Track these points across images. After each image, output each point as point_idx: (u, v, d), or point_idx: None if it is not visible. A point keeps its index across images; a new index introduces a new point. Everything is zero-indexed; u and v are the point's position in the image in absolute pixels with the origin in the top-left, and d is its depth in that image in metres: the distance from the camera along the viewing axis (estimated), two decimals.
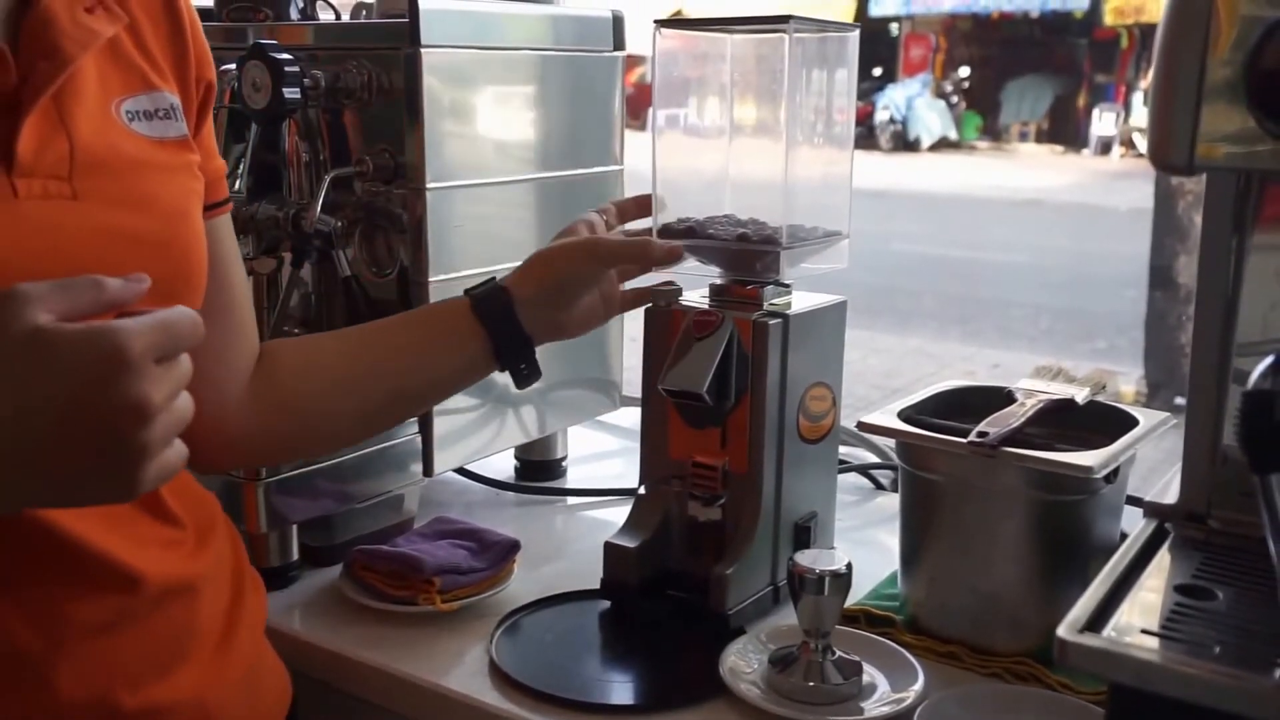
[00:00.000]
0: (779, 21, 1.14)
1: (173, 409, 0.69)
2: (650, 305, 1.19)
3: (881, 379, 6.26)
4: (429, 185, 1.27)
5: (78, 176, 0.78)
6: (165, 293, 0.83)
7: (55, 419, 0.66)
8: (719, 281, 1.19)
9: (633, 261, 1.15)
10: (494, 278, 1.09)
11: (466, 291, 1.08)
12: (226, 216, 0.99)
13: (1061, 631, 0.79)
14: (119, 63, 0.84)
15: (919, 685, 1.03)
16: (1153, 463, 1.26)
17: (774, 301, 1.17)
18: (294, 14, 1.46)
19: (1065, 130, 18.89)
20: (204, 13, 1.48)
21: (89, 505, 0.76)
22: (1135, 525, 0.99)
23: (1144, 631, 0.79)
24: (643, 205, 1.20)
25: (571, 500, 1.54)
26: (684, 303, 1.18)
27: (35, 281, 0.67)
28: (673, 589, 1.19)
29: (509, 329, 1.06)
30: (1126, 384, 5.82)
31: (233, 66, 1.27)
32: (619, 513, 1.25)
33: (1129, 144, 16.90)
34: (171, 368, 0.69)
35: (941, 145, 18.67)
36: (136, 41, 0.86)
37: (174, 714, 0.86)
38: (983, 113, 19.86)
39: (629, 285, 1.19)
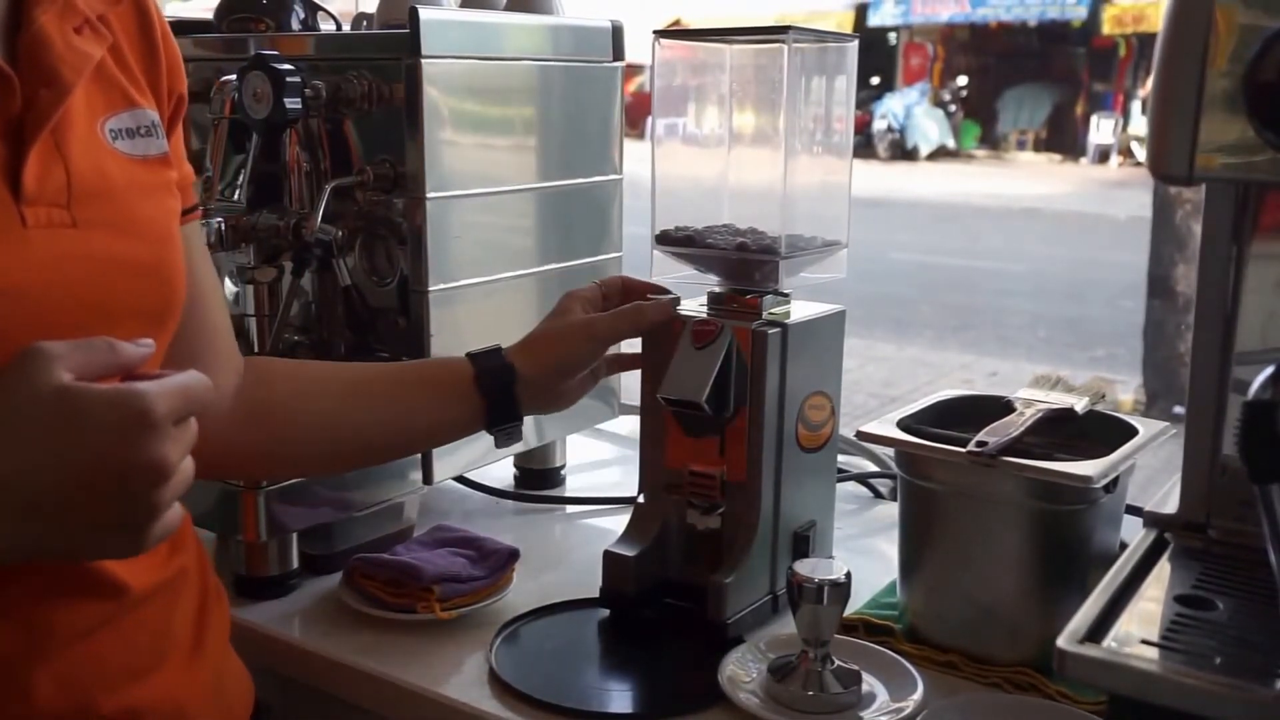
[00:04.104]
0: (778, 32, 1.15)
1: (182, 470, 0.72)
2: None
3: (880, 387, 6.27)
4: (429, 195, 1.27)
5: (75, 204, 0.79)
6: (153, 317, 0.84)
7: (77, 475, 0.69)
8: (718, 290, 1.19)
9: (631, 333, 1.18)
10: (499, 347, 1.12)
11: (470, 356, 1.11)
12: (196, 225, 0.99)
13: (1061, 642, 0.79)
14: (102, 81, 0.84)
15: (918, 695, 1.03)
16: (1151, 471, 1.26)
17: (773, 311, 1.17)
18: (295, 24, 1.46)
19: (1063, 139, 18.94)
20: (203, 24, 1.49)
21: (95, 559, 0.80)
22: (1135, 535, 0.99)
23: (1144, 642, 0.80)
24: (629, 288, 1.20)
25: (570, 509, 1.54)
26: (683, 312, 1.18)
27: (55, 341, 0.70)
28: (672, 598, 1.19)
29: (506, 402, 1.11)
30: (1125, 393, 5.83)
31: (233, 77, 1.27)
32: (618, 521, 1.25)
33: (1127, 152, 16.95)
34: (185, 429, 0.73)
35: (940, 154, 18.71)
36: (117, 59, 0.87)
37: (150, 716, 0.86)
38: (981, 121, 19.91)
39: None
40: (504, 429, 1.12)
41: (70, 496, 0.69)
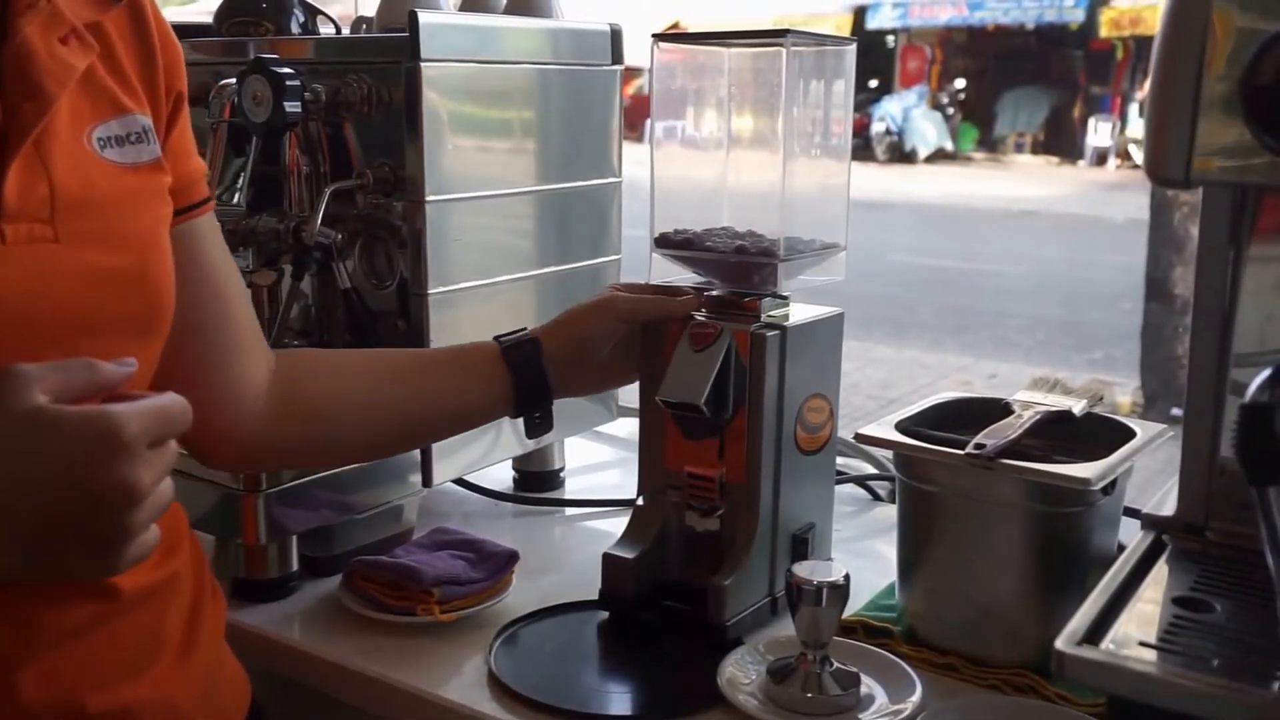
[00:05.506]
0: (776, 35, 1.15)
1: (157, 493, 0.72)
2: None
3: (878, 389, 6.28)
4: (428, 198, 1.27)
5: (59, 218, 0.78)
6: (139, 327, 0.84)
7: (49, 496, 0.68)
8: (717, 293, 1.19)
9: (649, 317, 1.18)
10: (525, 328, 1.15)
11: (496, 338, 1.13)
12: (210, 216, 0.99)
13: (1060, 644, 0.79)
14: (90, 89, 0.84)
15: (917, 696, 1.03)
16: (1150, 473, 1.26)
17: (772, 313, 1.17)
18: (294, 28, 1.46)
19: (1061, 141, 18.94)
20: (203, 28, 1.49)
21: (69, 580, 0.80)
22: (1133, 537, 0.99)
23: (1142, 644, 0.80)
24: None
25: (570, 511, 1.54)
26: None
27: (33, 364, 0.69)
28: (671, 600, 1.19)
29: (533, 377, 1.12)
30: (1123, 395, 5.83)
31: (233, 80, 1.27)
32: (617, 523, 1.25)
33: (1124, 155, 16.96)
34: (161, 453, 0.72)
35: (938, 156, 18.72)
36: (110, 65, 0.86)
37: (140, 714, 0.87)
38: (979, 124, 19.92)
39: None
40: (534, 411, 1.14)
41: (42, 518, 0.69)
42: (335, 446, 1.12)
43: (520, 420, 1.16)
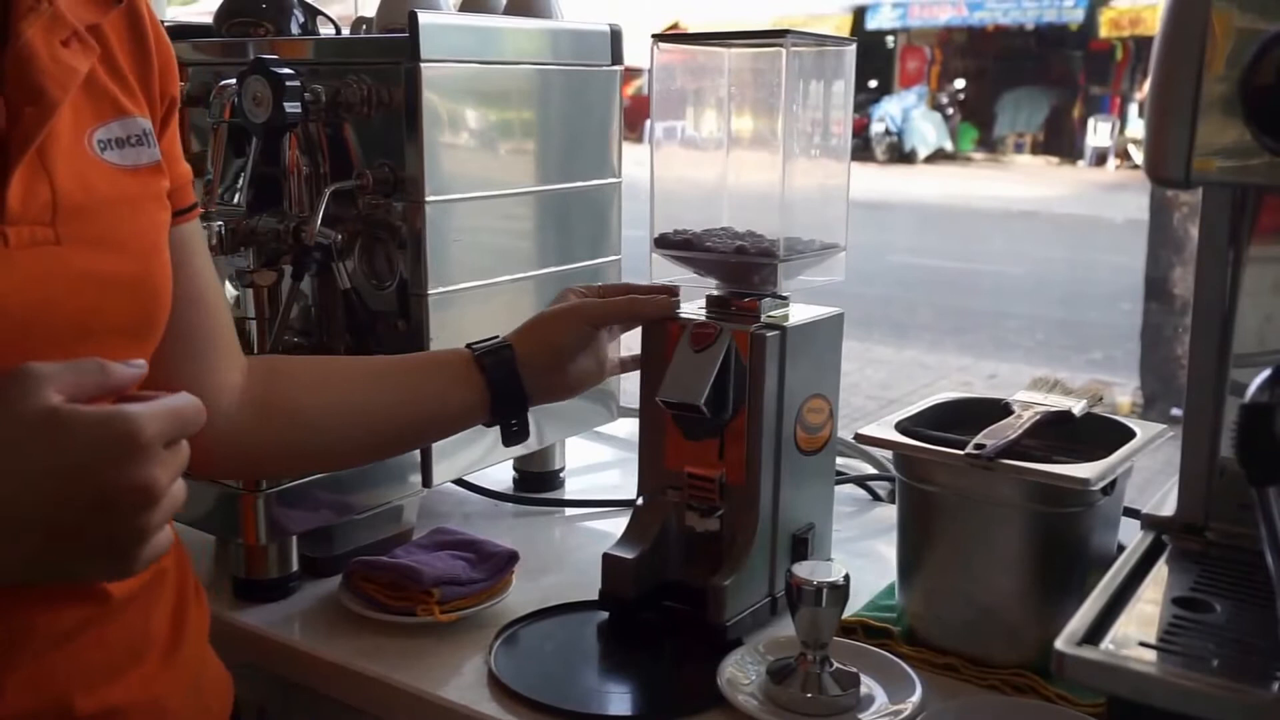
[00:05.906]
0: (776, 36, 1.15)
1: (172, 493, 0.72)
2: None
3: (878, 389, 6.28)
4: (428, 198, 1.27)
5: (60, 221, 0.78)
6: (136, 333, 0.84)
7: (64, 497, 0.68)
8: (716, 293, 1.19)
9: (621, 320, 1.19)
10: (497, 336, 1.14)
11: (469, 345, 1.13)
12: (196, 223, 0.98)
13: (1059, 644, 0.79)
14: (91, 91, 0.83)
15: (917, 697, 1.03)
16: (1149, 473, 1.26)
17: (771, 314, 1.17)
18: (294, 29, 1.46)
19: (1061, 142, 18.94)
20: (203, 28, 1.49)
21: (83, 582, 0.80)
22: (1133, 537, 0.99)
23: (1142, 644, 0.80)
24: (632, 290, 1.23)
25: (570, 511, 1.54)
26: (682, 315, 1.18)
27: (46, 362, 0.69)
28: (671, 600, 1.19)
29: (510, 384, 1.12)
30: (1122, 395, 5.83)
31: (233, 81, 1.27)
32: (617, 524, 1.25)
33: (1124, 155, 16.96)
34: (176, 452, 0.72)
35: (937, 157, 18.72)
36: (109, 66, 0.86)
37: (128, 715, 0.86)
38: (978, 124, 19.92)
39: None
40: (510, 417, 1.13)
41: (58, 519, 0.69)
42: (312, 453, 1.11)
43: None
